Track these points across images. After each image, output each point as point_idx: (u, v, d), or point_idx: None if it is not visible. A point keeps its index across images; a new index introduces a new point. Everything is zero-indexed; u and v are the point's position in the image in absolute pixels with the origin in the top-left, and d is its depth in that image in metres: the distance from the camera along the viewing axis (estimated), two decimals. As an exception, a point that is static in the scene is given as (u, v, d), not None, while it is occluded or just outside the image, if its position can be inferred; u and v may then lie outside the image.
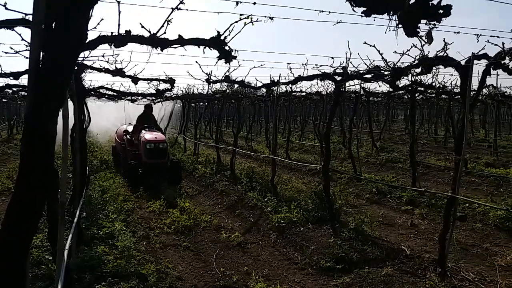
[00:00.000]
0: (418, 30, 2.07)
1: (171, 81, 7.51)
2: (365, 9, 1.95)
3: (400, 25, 2.02)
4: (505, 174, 10.89)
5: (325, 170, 6.66)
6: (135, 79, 6.35)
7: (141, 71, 6.86)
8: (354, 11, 1.97)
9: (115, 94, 10.37)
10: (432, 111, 25.71)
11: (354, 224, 6.64)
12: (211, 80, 7.22)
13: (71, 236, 3.98)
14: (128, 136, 11.80)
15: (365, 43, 4.58)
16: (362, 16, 2.06)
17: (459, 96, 11.89)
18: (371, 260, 5.54)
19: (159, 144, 10.38)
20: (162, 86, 8.62)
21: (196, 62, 6.22)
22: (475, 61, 4.80)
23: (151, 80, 7.49)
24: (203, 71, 7.34)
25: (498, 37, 4.42)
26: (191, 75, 6.76)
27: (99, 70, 5.90)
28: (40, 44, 1.81)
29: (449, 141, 16.87)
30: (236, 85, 10.33)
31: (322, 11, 3.57)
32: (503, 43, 4.48)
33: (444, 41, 4.39)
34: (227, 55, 3.80)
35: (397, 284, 4.86)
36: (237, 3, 3.04)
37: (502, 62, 4.85)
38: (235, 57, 3.85)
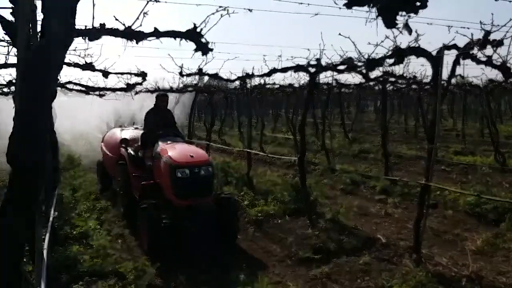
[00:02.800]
0: (396, 21, 2.10)
1: (143, 74, 7.37)
2: (346, 1, 1.96)
3: (379, 17, 2.04)
4: (473, 161, 11.28)
5: (301, 162, 6.71)
6: (105, 73, 6.19)
7: (112, 65, 6.71)
8: (336, 4, 1.98)
9: (83, 89, 9.93)
10: (403, 102, 26.28)
11: (331, 215, 6.74)
12: (184, 73, 7.13)
13: (48, 235, 3.88)
14: (130, 151, 7.06)
15: (340, 34, 4.62)
16: (341, 8, 2.06)
17: (429, 86, 12.21)
18: (349, 249, 5.64)
19: (200, 170, 5.79)
20: (134, 80, 8.41)
21: (169, 55, 6.13)
22: (446, 52, 4.92)
23: (123, 74, 7.31)
24: (176, 64, 7.17)
25: (468, 28, 4.53)
26: (164, 68, 6.66)
27: (68, 64, 5.71)
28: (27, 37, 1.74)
29: (419, 131, 17.33)
30: (206, 78, 10.17)
31: (302, 3, 3.57)
32: (472, 34, 4.60)
33: (416, 32, 4.46)
34: (203, 48, 3.74)
35: (375, 271, 4.97)
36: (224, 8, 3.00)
37: (471, 52, 4.99)
38: (211, 50, 3.80)
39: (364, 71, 5.90)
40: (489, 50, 4.97)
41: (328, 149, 11.41)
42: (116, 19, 3.39)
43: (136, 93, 10.69)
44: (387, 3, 1.92)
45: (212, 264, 5.45)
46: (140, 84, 8.50)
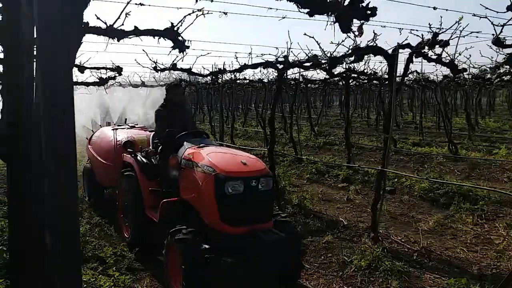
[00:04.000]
0: (351, 27, 2.52)
1: (118, 69, 7.54)
2: (309, 10, 2.36)
3: (336, 23, 2.45)
4: (429, 151, 12.09)
5: (271, 153, 7.13)
6: (81, 68, 6.36)
7: (87, 60, 6.81)
8: (300, 11, 2.37)
9: None
10: (365, 96, 27.28)
11: (297, 201, 7.23)
12: (158, 68, 7.37)
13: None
14: (140, 158, 5.59)
15: (305, 34, 5.04)
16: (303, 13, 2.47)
17: (387, 82, 12.92)
18: (314, 231, 6.13)
19: (258, 183, 4.17)
20: (109, 74, 8.56)
21: (143, 50, 6.37)
22: (400, 50, 5.45)
23: (99, 68, 7.46)
24: (150, 59, 7.37)
25: (417, 30, 5.06)
26: (139, 63, 6.89)
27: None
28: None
29: (380, 124, 18.16)
30: (176, 72, 10.41)
31: (271, 8, 3.97)
32: (422, 35, 5.15)
33: (373, 32, 4.96)
34: (180, 45, 4.07)
35: (337, 249, 5.48)
36: (196, 0, 3.32)
37: (422, 51, 5.56)
38: (188, 47, 4.14)
39: (326, 66, 6.37)
40: (439, 49, 5.57)
41: (295, 142, 11.92)
42: (98, 18, 3.67)
43: (108, 87, 10.43)
44: (342, 12, 2.35)
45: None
46: (114, 78, 8.65)
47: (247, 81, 12.22)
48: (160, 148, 5.33)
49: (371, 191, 8.21)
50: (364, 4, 2.38)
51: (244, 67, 7.31)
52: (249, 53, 7.01)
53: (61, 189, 1.55)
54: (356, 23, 3.00)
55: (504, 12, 3.31)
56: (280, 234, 4.06)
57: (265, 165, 4.38)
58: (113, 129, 6.93)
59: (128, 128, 7.26)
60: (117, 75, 7.93)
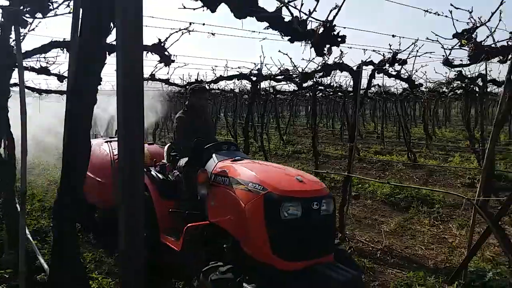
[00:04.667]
0: (324, 51, 2.99)
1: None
2: (290, 37, 2.80)
3: (312, 47, 2.91)
4: (390, 159, 12.86)
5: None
6: (60, 77, 6.54)
7: (66, 70, 6.93)
8: (282, 38, 2.81)
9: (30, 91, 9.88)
10: (329, 107, 28.24)
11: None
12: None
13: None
14: (155, 173, 4.88)
15: (279, 51, 5.51)
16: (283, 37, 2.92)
17: (352, 94, 13.67)
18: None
19: (319, 206, 3.34)
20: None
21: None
22: (364, 67, 6.02)
23: (80, 78, 7.63)
24: None
25: (379, 52, 5.62)
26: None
27: (25, 68, 6.04)
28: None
29: (344, 133, 18.97)
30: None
31: (254, 31, 4.40)
32: (383, 54, 5.73)
33: (340, 51, 5.50)
34: (167, 60, 4.42)
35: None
36: (190, 23, 3.69)
37: (384, 67, 6.15)
38: (173, 61, 4.50)
39: (298, 81, 6.88)
40: (398, 67, 6.20)
41: (266, 150, 12.38)
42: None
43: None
44: (317, 40, 2.80)
45: None
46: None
47: (218, 90, 12.60)
48: (183, 161, 4.37)
49: (337, 196, 8.73)
50: (335, 33, 2.85)
51: (220, 78, 7.71)
52: (225, 66, 7.43)
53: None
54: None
55: (451, 39, 3.89)
56: (350, 271, 3.23)
57: (323, 184, 3.56)
58: (106, 142, 6.28)
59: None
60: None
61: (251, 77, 7.47)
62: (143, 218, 1.68)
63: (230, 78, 7.49)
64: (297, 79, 6.63)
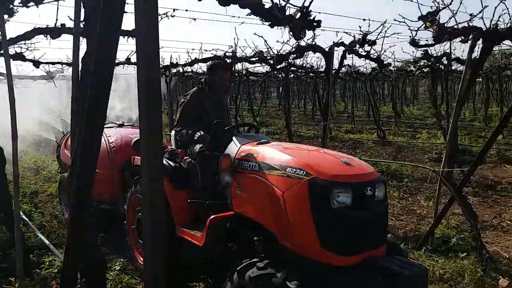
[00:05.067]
0: (302, 36, 3.18)
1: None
2: (270, 22, 2.97)
3: (290, 32, 3.09)
4: (360, 137, 13.33)
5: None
6: (36, 63, 6.47)
7: (42, 56, 6.81)
8: (263, 24, 2.97)
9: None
10: (301, 88, 28.59)
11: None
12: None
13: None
14: (165, 160, 4.24)
15: (255, 34, 5.66)
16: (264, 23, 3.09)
17: (323, 74, 13.98)
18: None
19: (373, 193, 2.87)
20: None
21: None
22: (336, 48, 6.26)
23: (54, 63, 7.54)
24: None
25: (349, 33, 5.85)
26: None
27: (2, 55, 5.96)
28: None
29: (316, 114, 19.36)
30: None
31: (234, 16, 4.53)
32: (354, 36, 5.97)
33: (313, 33, 5.69)
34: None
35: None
36: (174, 10, 3.76)
37: (354, 48, 6.41)
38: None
39: (272, 62, 7.06)
40: (368, 47, 6.46)
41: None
42: (71, 19, 4.02)
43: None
44: (295, 25, 2.99)
45: None
46: (62, 72, 8.68)
47: (191, 73, 12.61)
48: (198, 146, 3.93)
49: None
50: (311, 18, 3.04)
51: (195, 61, 7.78)
52: (200, 48, 7.51)
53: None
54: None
55: (417, 21, 4.16)
56: (414, 264, 2.98)
57: (372, 167, 3.16)
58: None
59: (117, 127, 6.01)
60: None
61: (226, 59, 7.59)
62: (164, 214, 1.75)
63: (205, 60, 7.58)
64: (271, 61, 6.81)
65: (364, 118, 19.78)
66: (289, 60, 7.91)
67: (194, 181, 3.95)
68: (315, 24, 3.08)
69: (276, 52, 5.99)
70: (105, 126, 5.62)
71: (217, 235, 3.44)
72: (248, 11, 2.70)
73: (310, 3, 2.95)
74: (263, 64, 7.52)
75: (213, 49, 7.71)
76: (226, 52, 7.49)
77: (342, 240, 2.77)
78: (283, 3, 2.82)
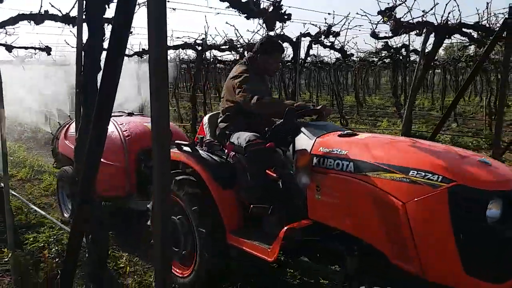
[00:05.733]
0: (274, 27, 3.52)
1: (47, 49, 7.64)
2: (246, 15, 3.27)
3: (264, 23, 3.41)
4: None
5: (193, 127, 7.98)
6: (9, 47, 6.46)
7: (15, 40, 6.71)
8: (240, 15, 3.27)
9: None
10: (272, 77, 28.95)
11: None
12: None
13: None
14: (207, 154, 3.53)
15: (226, 23, 5.92)
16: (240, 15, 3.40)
17: (289, 63, 14.38)
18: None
19: None
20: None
21: (71, 31, 6.67)
22: (302, 38, 6.64)
23: (27, 48, 7.50)
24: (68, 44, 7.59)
25: (315, 25, 6.24)
26: (68, 44, 7.14)
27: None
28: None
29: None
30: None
31: (211, 7, 4.78)
32: (319, 27, 6.37)
33: (282, 24, 6.04)
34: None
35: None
36: None
37: (320, 39, 6.82)
38: (131, 33, 4.78)
39: (242, 51, 7.37)
40: (333, 38, 6.89)
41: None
42: (52, 6, 4.18)
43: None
44: (268, 17, 3.31)
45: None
46: (30, 57, 8.60)
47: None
48: (246, 136, 3.25)
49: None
50: (283, 11, 3.38)
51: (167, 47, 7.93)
52: (171, 36, 7.68)
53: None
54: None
55: (376, 15, 4.60)
56: None
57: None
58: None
59: (126, 116, 5.48)
60: (47, 54, 7.93)
61: (196, 46, 7.82)
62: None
63: (175, 47, 7.77)
64: (241, 50, 7.11)
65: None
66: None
67: (241, 179, 3.26)
68: (286, 17, 3.43)
69: (246, 41, 6.29)
70: (112, 115, 5.17)
71: (291, 248, 2.92)
72: (227, 4, 3.00)
73: (282, -3, 3.32)
74: (233, 52, 7.80)
75: (184, 37, 7.91)
76: (197, 39, 7.71)
77: (493, 263, 2.23)
78: (258, -2, 3.16)
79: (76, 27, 4.25)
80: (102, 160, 3.93)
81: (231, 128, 3.51)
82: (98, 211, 2.60)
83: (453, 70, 17.92)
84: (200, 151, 3.53)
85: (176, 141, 3.64)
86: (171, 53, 9.78)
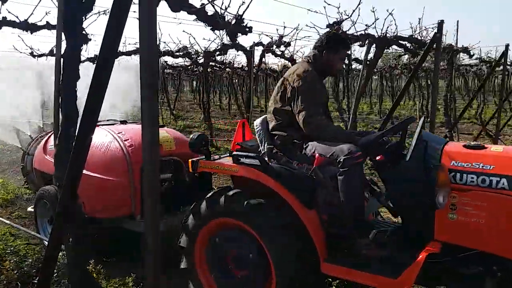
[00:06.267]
0: (236, 37, 3.83)
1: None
2: (211, 27, 3.56)
3: (227, 35, 3.72)
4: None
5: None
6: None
7: None
8: (205, 27, 3.55)
9: None
10: (215, 82, 29.22)
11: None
12: (35, 54, 7.50)
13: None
14: (285, 167, 3.00)
15: (184, 31, 6.15)
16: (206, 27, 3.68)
17: (239, 70, 14.77)
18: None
19: None
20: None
21: (19, 36, 6.58)
22: (256, 47, 7.02)
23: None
24: (26, 45, 7.30)
25: (267, 35, 6.66)
26: (16, 49, 6.99)
27: None
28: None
29: (232, 107, 20.16)
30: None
31: (175, 18, 4.98)
32: (271, 37, 6.78)
33: (236, 34, 6.38)
34: (84, 38, 4.78)
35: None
36: None
37: (272, 48, 7.24)
38: (90, 39, 4.89)
39: (196, 57, 7.63)
40: (283, 48, 7.33)
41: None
42: (10, 12, 4.23)
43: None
44: (231, 30, 3.63)
45: None
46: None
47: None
48: (343, 148, 2.83)
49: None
50: (244, 24, 3.71)
51: (119, 54, 7.99)
52: (124, 42, 7.74)
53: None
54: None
55: (325, 28, 5.07)
56: None
57: None
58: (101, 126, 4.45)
59: (120, 125, 4.81)
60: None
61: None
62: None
63: (129, 53, 7.84)
64: (195, 56, 7.37)
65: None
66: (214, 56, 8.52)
67: (329, 196, 2.91)
68: (247, 29, 3.76)
69: (201, 48, 6.59)
70: (103, 124, 4.55)
71: (426, 275, 2.57)
72: (194, 16, 3.27)
73: (244, 12, 3.64)
74: (186, 58, 8.04)
75: (136, 43, 8.00)
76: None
77: None
78: (223, 11, 3.44)
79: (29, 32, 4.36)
80: (100, 175, 3.81)
81: (300, 137, 3.07)
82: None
83: (389, 76, 19.21)
84: (274, 164, 3.00)
85: (234, 153, 3.05)
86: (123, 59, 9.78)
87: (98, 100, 2.13)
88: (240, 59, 11.91)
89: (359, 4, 4.65)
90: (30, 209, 4.34)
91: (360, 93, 6.02)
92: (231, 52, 9.44)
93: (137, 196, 3.86)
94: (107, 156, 3.94)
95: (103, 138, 4.08)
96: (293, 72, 3.12)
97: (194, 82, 30.75)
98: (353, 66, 12.84)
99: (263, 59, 7.40)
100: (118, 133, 4.15)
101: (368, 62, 6.14)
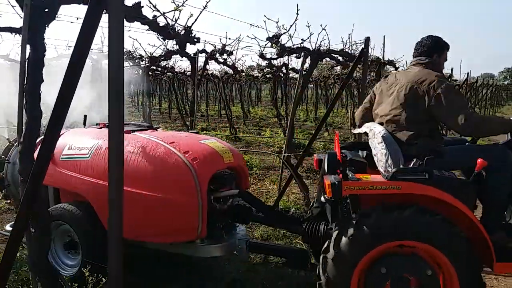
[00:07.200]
0: (185, 47, 4.15)
1: None
2: (163, 37, 3.85)
3: (177, 44, 4.03)
4: (215, 134, 14.71)
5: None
6: None
7: None
8: (158, 38, 3.82)
9: None
10: (154, 86, 28.95)
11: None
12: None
13: None
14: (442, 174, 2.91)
15: (130, 37, 6.33)
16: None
17: (180, 74, 14.93)
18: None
19: None
20: None
21: None
22: (200, 54, 7.33)
23: None
24: None
25: (210, 43, 7.00)
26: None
27: None
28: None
29: (172, 112, 20.17)
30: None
31: (125, 26, 5.16)
32: (215, 45, 7.15)
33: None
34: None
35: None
36: (77, 18, 4.25)
37: (214, 56, 7.59)
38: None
39: (140, 62, 7.79)
40: (226, 56, 7.71)
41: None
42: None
43: None
44: (180, 40, 3.94)
45: None
46: None
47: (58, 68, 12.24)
48: None
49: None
50: (192, 35, 4.03)
51: (61, 56, 7.93)
52: (67, 45, 7.72)
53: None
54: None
55: (266, 41, 5.53)
56: None
57: None
58: (133, 132, 3.80)
59: (153, 131, 4.05)
60: None
61: (93, 56, 7.97)
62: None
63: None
64: (141, 61, 7.54)
65: (216, 117, 21.37)
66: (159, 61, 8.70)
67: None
68: (195, 40, 4.09)
69: (146, 53, 6.81)
70: (134, 129, 3.84)
71: None
72: (147, 27, 3.53)
73: (192, 24, 3.97)
74: (130, 62, 8.16)
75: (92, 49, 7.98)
76: (92, 50, 7.87)
77: None
78: (173, 23, 3.74)
79: None
80: (157, 194, 3.17)
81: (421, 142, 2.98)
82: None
83: (323, 85, 20.31)
84: (438, 176, 2.80)
85: (392, 170, 2.78)
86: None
87: (67, 101, 2.24)
88: (181, 64, 12.14)
89: (295, 19, 5.15)
90: (8, 227, 3.67)
91: (298, 100, 6.54)
92: (174, 57, 9.66)
93: (204, 217, 3.29)
94: (163, 171, 3.28)
95: (154, 150, 3.36)
96: (425, 78, 2.98)
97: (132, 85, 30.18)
98: (290, 75, 13.56)
99: (207, 66, 7.71)
100: (171, 143, 3.45)
101: (304, 72, 6.67)
